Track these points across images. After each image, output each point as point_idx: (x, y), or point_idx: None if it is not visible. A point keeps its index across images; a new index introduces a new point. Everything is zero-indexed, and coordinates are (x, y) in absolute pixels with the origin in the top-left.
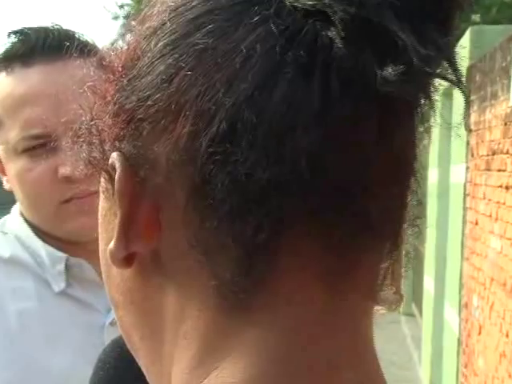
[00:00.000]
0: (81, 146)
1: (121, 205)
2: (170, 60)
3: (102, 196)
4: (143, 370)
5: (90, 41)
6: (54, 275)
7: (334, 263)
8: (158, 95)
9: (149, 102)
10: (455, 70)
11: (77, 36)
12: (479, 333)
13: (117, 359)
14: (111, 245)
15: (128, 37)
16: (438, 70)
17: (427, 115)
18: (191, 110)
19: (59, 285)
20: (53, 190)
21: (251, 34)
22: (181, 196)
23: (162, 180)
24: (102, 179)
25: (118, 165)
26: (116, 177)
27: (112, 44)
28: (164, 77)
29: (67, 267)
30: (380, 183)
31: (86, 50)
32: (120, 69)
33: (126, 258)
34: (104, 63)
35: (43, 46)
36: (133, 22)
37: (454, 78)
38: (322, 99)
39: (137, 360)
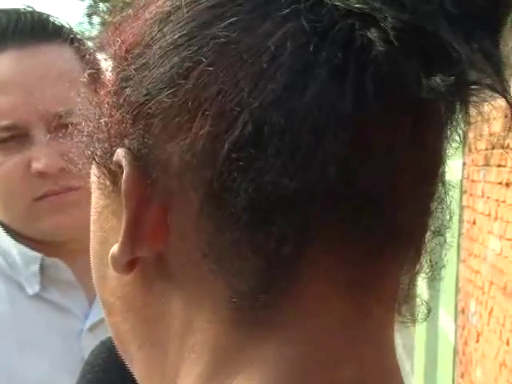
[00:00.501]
0: (81, 141)
1: (128, 207)
2: (187, 52)
3: (97, 191)
4: (139, 380)
5: (66, 25)
6: (27, 277)
7: (358, 275)
8: (172, 90)
9: (161, 97)
10: (502, 79)
11: (51, 20)
12: (477, 340)
13: (106, 362)
14: (114, 249)
15: (128, 19)
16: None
17: (460, 121)
18: (211, 109)
19: (33, 287)
20: (25, 186)
21: (280, 28)
22: (194, 201)
23: (174, 182)
24: (99, 174)
25: (125, 163)
26: (123, 177)
27: (110, 27)
28: (179, 70)
29: (42, 268)
30: (408, 189)
31: (61, 34)
32: (124, 55)
33: (129, 263)
34: (102, 48)
35: (15, 31)
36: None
37: (500, 88)
38: (354, 102)
39: (131, 370)
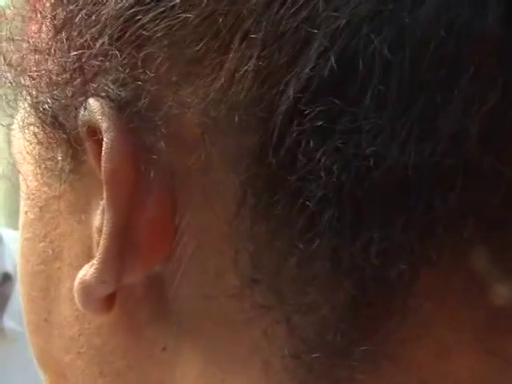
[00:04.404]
0: (18, 86)
1: (114, 200)
2: None
3: (38, 173)
4: None
5: None
6: None
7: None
8: None
9: (162, 9)
10: None
11: None
12: None
13: None
14: (86, 273)
15: None
16: None
17: None
18: (258, 30)
19: None
20: None
21: None
22: (228, 188)
23: (192, 158)
24: (47, 143)
25: (107, 125)
26: (105, 148)
27: None
28: None
29: None
30: None
31: None
32: None
33: (109, 296)
34: None
35: None
36: None
37: None
38: (504, 14)
39: None
